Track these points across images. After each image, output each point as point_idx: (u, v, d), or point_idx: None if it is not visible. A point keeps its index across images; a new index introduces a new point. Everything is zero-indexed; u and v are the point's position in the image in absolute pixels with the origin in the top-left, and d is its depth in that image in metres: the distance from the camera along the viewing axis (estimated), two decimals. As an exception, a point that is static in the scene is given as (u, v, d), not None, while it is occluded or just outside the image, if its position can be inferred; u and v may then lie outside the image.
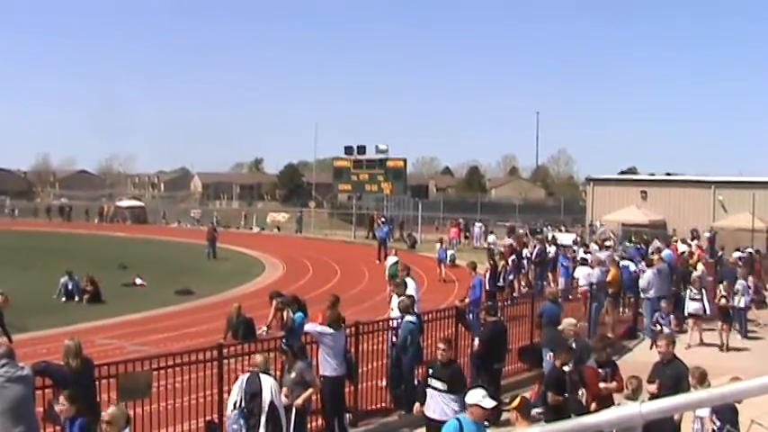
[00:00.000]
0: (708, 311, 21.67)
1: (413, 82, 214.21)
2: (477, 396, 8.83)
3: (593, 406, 11.13)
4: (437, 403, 10.95)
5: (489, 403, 8.88)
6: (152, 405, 10.94)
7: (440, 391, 10.91)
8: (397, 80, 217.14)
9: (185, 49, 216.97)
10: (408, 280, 19.01)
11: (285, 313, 15.19)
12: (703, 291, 21.81)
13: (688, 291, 22.22)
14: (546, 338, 16.54)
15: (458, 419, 8.82)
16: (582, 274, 23.88)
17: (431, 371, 11.26)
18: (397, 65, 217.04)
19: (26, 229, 59.96)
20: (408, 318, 14.65)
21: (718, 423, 9.78)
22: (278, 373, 11.89)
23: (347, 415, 13.50)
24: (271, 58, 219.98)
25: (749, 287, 23.10)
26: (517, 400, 8.99)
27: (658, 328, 18.90)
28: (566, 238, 40.39)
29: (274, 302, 17.29)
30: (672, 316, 20.07)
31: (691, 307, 21.66)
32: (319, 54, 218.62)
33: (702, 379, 10.62)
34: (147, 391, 10.69)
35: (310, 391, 11.71)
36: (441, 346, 11.54)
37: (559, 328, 14.56)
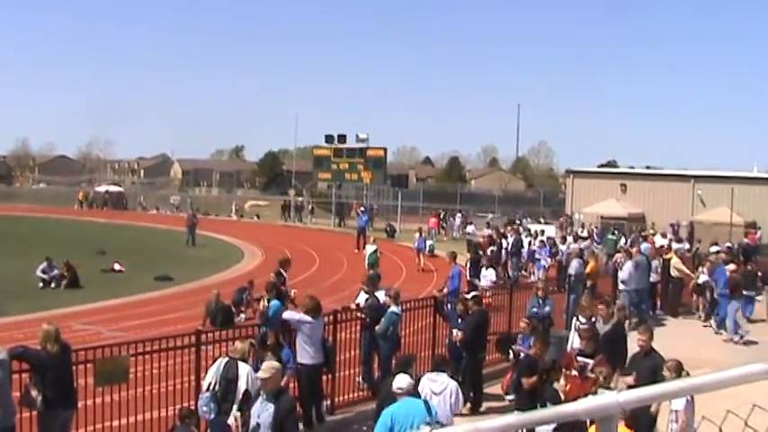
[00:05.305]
0: None
1: (394, 71, 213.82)
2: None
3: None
4: None
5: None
6: (129, 391, 10.88)
7: None
8: (378, 69, 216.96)
9: (167, 36, 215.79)
10: None
11: (262, 301, 15.12)
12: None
13: (574, 320, 15.52)
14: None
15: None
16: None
17: None
18: (378, 54, 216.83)
19: (7, 214, 59.21)
20: (393, 308, 14.66)
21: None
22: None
23: (324, 403, 13.52)
24: (252, 45, 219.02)
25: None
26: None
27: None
28: (546, 230, 40.45)
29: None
30: None
31: (576, 343, 13.83)
32: (301, 42, 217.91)
33: (678, 370, 10.67)
34: (125, 377, 10.64)
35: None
36: None
37: None
